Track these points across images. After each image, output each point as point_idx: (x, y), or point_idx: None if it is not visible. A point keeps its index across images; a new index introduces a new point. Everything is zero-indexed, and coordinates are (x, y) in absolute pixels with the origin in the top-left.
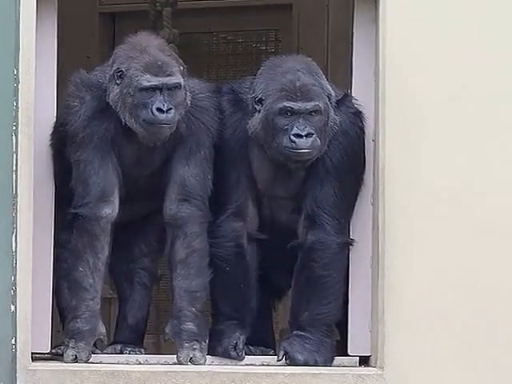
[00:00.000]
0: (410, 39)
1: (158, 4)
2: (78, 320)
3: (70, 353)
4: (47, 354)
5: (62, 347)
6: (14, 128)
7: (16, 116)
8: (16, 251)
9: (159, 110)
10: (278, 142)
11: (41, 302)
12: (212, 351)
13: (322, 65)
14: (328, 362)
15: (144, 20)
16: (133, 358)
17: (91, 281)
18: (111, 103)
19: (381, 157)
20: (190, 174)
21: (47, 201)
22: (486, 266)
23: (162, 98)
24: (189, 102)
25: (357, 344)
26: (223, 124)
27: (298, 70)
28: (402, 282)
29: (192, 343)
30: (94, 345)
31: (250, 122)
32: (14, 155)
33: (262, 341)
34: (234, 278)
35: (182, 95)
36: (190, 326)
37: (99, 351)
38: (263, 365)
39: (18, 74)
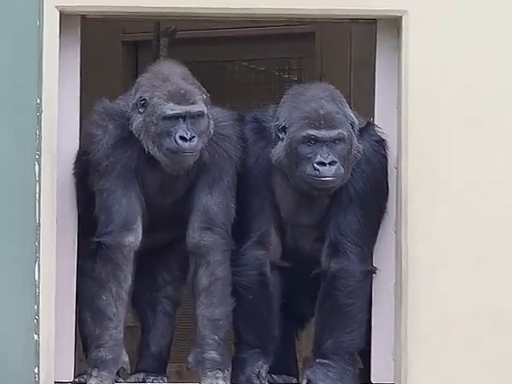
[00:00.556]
0: (433, 67)
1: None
2: (102, 349)
3: (92, 382)
4: (70, 383)
5: (85, 376)
6: (37, 157)
7: (39, 145)
8: (39, 280)
9: (182, 138)
10: (301, 170)
11: (64, 330)
12: (235, 380)
13: (345, 93)
14: None
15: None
16: None
17: (114, 310)
18: (134, 132)
19: (403, 184)
20: (213, 203)
21: (70, 230)
22: None
23: (185, 126)
24: (212, 131)
25: (380, 372)
26: (246, 152)
27: (322, 98)
28: (425, 310)
29: (215, 372)
30: (117, 374)
31: (273, 150)
32: (37, 184)
33: (284, 369)
34: (256, 307)
35: (205, 123)
36: (213, 354)
37: (122, 380)
38: None
39: (40, 103)
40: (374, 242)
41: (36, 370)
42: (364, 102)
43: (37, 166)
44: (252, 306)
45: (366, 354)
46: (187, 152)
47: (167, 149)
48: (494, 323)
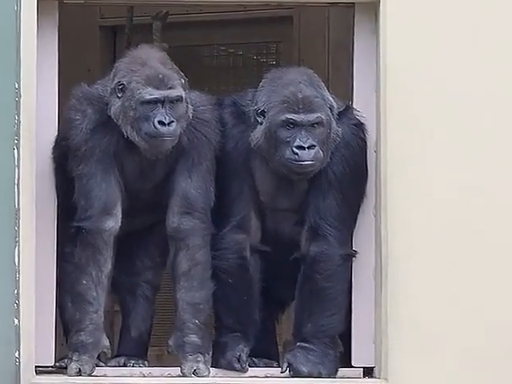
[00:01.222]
0: (410, 49)
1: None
2: (82, 333)
3: (73, 366)
4: (51, 367)
5: (66, 360)
6: (16, 142)
7: (17, 130)
8: (19, 265)
9: (161, 122)
10: (280, 154)
11: (44, 315)
12: (216, 363)
13: (323, 76)
14: (332, 374)
15: (145, 33)
16: (136, 370)
17: (94, 294)
18: (113, 116)
19: (382, 168)
20: (192, 187)
21: (50, 214)
22: (488, 279)
23: (163, 110)
24: (190, 115)
25: (360, 355)
26: (225, 136)
27: (300, 82)
28: (404, 293)
29: (196, 355)
30: (98, 358)
31: (252, 134)
32: (16, 169)
33: (265, 353)
34: (236, 290)
35: (183, 108)
36: (193, 338)
37: (103, 364)
38: (267, 377)
39: (19, 88)
40: (354, 225)
41: (16, 355)
42: (342, 85)
43: (16, 151)
44: (232, 290)
45: (346, 337)
46: (166, 136)
47: (146, 133)
48: (473, 307)
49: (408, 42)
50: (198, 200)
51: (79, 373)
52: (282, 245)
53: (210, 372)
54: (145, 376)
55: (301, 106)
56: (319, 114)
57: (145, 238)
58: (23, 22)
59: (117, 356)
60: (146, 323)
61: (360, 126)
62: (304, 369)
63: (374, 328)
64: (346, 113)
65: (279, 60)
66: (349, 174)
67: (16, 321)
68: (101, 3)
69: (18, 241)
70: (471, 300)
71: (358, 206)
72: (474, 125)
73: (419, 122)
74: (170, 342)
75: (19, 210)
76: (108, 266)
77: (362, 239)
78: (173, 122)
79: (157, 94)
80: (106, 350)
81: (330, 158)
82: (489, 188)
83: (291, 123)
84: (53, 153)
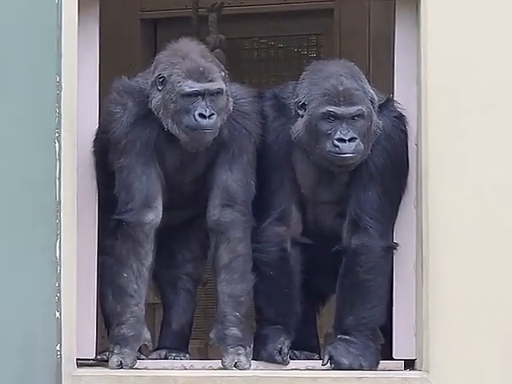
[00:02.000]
0: (452, 42)
1: (203, 9)
2: (123, 326)
3: (115, 359)
4: (92, 360)
5: (107, 353)
6: (57, 135)
7: (59, 123)
8: (60, 258)
9: (201, 115)
10: (321, 147)
11: (85, 308)
12: (257, 356)
13: (364, 69)
14: (373, 366)
15: (185, 26)
16: (178, 363)
17: (135, 287)
18: (153, 109)
19: (423, 160)
20: (233, 180)
21: (91, 207)
22: None
23: (204, 103)
24: (231, 108)
25: (402, 348)
26: (266, 129)
27: (341, 75)
28: (446, 285)
29: (237, 348)
30: (139, 351)
31: (293, 127)
32: (57, 162)
33: (306, 345)
34: (277, 283)
35: (224, 101)
36: (234, 331)
37: (144, 357)
38: (308, 369)
39: (60, 81)
40: (395, 217)
41: (58, 348)
42: (383, 78)
43: (57, 144)
44: (273, 283)
45: (387, 329)
46: (206, 129)
47: (186, 126)
48: None
49: (449, 34)
50: (238, 193)
51: (120, 366)
52: (322, 237)
53: (251, 365)
54: (186, 369)
55: (342, 99)
56: (360, 107)
57: (185, 230)
58: (64, 15)
59: (158, 349)
60: (187, 316)
61: (401, 119)
62: (345, 361)
63: (415, 320)
64: (386, 105)
65: (320, 53)
66: (390, 166)
67: (57, 314)
68: None
69: (59, 234)
70: None
71: (399, 198)
72: None
73: (460, 115)
74: (211, 335)
75: (60, 203)
76: (149, 259)
77: (403, 231)
78: (213, 114)
79: (197, 86)
80: (147, 343)
81: (371, 151)
82: None
83: (332, 116)
84: (93, 146)
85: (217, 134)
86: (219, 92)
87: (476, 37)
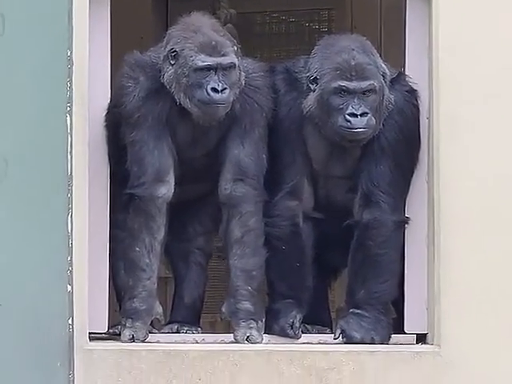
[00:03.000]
0: (464, 17)
1: None
2: (135, 300)
3: (126, 332)
4: (104, 333)
5: (119, 327)
6: (69, 109)
7: (70, 97)
8: (72, 232)
9: (214, 89)
10: (332, 122)
11: (97, 282)
12: (269, 330)
13: (376, 43)
14: (385, 340)
15: (197, 0)
16: (189, 337)
17: (147, 261)
18: (166, 83)
19: (435, 135)
20: (245, 154)
21: (102, 181)
22: None
23: (216, 77)
24: (243, 82)
25: (413, 321)
26: (278, 103)
27: (353, 49)
28: (457, 259)
29: (249, 322)
30: (151, 324)
31: (304, 101)
32: (69, 136)
33: (318, 319)
34: (289, 257)
35: (236, 75)
36: (246, 304)
37: (156, 331)
38: (320, 343)
39: (71, 56)
40: (407, 192)
41: (70, 321)
42: (395, 52)
43: (68, 118)
44: (285, 257)
45: (399, 303)
46: (219, 103)
47: (199, 100)
48: None
49: (461, 7)
50: (250, 167)
51: (132, 339)
52: (334, 212)
53: (262, 338)
54: (198, 342)
55: (353, 74)
56: (372, 82)
57: (197, 204)
58: None
59: (170, 323)
60: (198, 290)
61: (413, 93)
62: (357, 335)
63: (427, 294)
64: (398, 79)
65: (331, 27)
66: (402, 140)
67: (69, 288)
68: None
69: (71, 208)
70: None
71: (411, 173)
72: None
73: (471, 89)
74: (223, 309)
75: (72, 177)
76: (161, 233)
77: (415, 205)
78: (226, 88)
79: (210, 60)
80: (159, 317)
81: (383, 125)
82: None
83: (344, 90)
84: (105, 120)
85: (229, 109)
86: (231, 66)
87: (488, 10)
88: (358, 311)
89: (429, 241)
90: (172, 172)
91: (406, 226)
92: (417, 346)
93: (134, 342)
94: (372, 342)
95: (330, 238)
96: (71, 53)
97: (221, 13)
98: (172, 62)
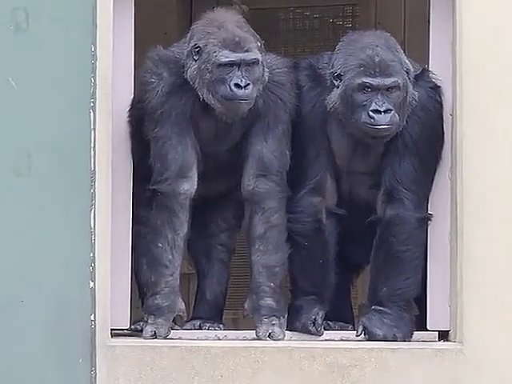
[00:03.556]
0: (488, 13)
1: None
2: (158, 296)
3: (149, 329)
4: (126, 330)
5: (141, 323)
6: (92, 105)
7: (94, 93)
8: (94, 228)
9: (237, 85)
10: (356, 118)
11: (120, 278)
12: (291, 326)
13: (400, 40)
14: (407, 337)
15: None
16: (212, 333)
17: (170, 257)
18: (189, 79)
19: (459, 131)
20: (268, 150)
21: (125, 177)
22: None
23: (239, 73)
24: (266, 78)
25: (436, 319)
26: (301, 99)
27: (377, 46)
28: (480, 257)
29: (271, 319)
30: (173, 321)
31: (328, 97)
32: (92, 132)
33: (340, 316)
34: (312, 254)
35: (259, 71)
36: (268, 301)
37: (178, 327)
38: (342, 340)
39: (95, 51)
40: (430, 188)
41: (92, 318)
42: (419, 48)
43: (92, 113)
44: (308, 253)
45: (421, 300)
46: (242, 99)
47: (222, 96)
48: None
49: (485, 4)
50: (273, 163)
51: (154, 336)
52: (357, 208)
53: (285, 335)
54: (220, 339)
55: (377, 70)
56: (396, 78)
57: (220, 201)
58: None
59: (192, 319)
60: (221, 286)
61: (436, 89)
62: (379, 332)
63: (450, 291)
64: (422, 76)
65: (355, 23)
66: (425, 137)
67: (92, 284)
68: None
69: (94, 204)
70: None
71: (434, 170)
72: None
73: (495, 86)
74: (246, 305)
75: (95, 172)
76: (184, 229)
77: (438, 202)
78: (249, 84)
79: (233, 56)
80: (181, 313)
81: (407, 122)
82: None
83: (368, 87)
84: (129, 116)
85: (252, 105)
86: (255, 62)
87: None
88: (381, 308)
89: (451, 238)
90: (195, 168)
91: (429, 222)
92: (439, 343)
93: (156, 338)
94: (394, 339)
95: (352, 235)
96: (95, 48)
97: (233, 9)
98: (195, 58)
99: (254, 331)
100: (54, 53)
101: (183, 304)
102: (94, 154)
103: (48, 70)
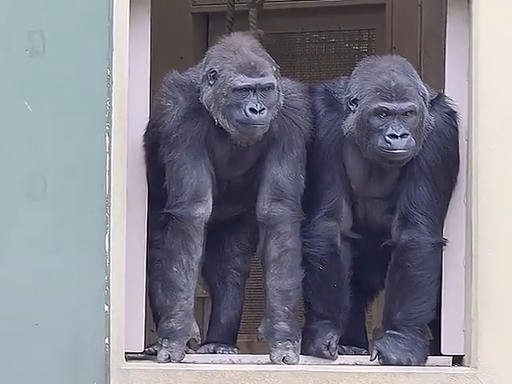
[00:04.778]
0: (503, 39)
1: (244, 5)
2: (172, 320)
3: (163, 352)
4: (141, 353)
5: (156, 347)
6: (108, 128)
7: (109, 116)
8: (109, 251)
9: (252, 110)
10: (372, 143)
11: (134, 301)
12: (305, 351)
13: (416, 65)
14: (421, 362)
15: (237, 20)
16: (226, 357)
17: (185, 281)
18: (204, 103)
19: (474, 156)
20: (283, 174)
21: (140, 201)
22: None
23: (255, 98)
24: (282, 102)
25: (450, 343)
26: (317, 124)
27: (393, 70)
28: (495, 282)
29: (285, 343)
30: (188, 344)
31: (344, 122)
32: (107, 155)
33: (354, 340)
34: (327, 278)
35: (275, 95)
36: (283, 325)
37: (192, 351)
38: (356, 364)
39: (111, 75)
40: (445, 213)
41: (106, 341)
42: (434, 73)
43: (107, 137)
44: (322, 277)
45: (436, 325)
46: (257, 124)
47: (237, 120)
48: None
49: (501, 30)
50: (288, 187)
51: (169, 359)
52: (372, 233)
53: (299, 359)
54: (234, 363)
55: (394, 95)
56: (412, 103)
57: (235, 225)
58: (116, 8)
59: (206, 343)
60: (235, 310)
61: (452, 115)
62: (393, 356)
63: (464, 316)
64: (438, 101)
65: (371, 47)
66: (441, 162)
67: (106, 307)
68: None
69: (109, 227)
70: None
71: (450, 195)
72: None
73: (510, 111)
74: (260, 329)
75: (110, 196)
76: (199, 253)
77: (453, 227)
78: (264, 109)
79: (249, 81)
80: (195, 337)
81: (423, 146)
82: None
83: (384, 111)
84: (144, 140)
85: (267, 129)
86: (270, 87)
87: None
88: (395, 332)
89: (466, 263)
90: (210, 192)
91: (444, 247)
92: (453, 368)
93: (170, 362)
94: (408, 364)
95: (367, 259)
96: (111, 72)
97: (249, 33)
98: (211, 82)
99: (268, 355)
100: (70, 77)
101: (197, 328)
102: (109, 177)
103: (64, 94)
